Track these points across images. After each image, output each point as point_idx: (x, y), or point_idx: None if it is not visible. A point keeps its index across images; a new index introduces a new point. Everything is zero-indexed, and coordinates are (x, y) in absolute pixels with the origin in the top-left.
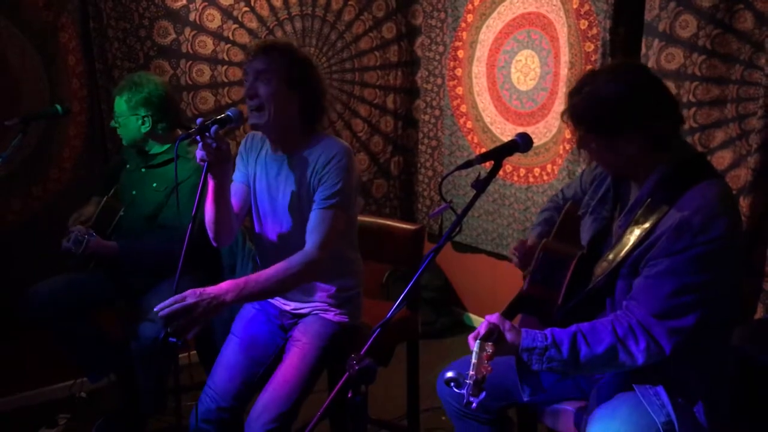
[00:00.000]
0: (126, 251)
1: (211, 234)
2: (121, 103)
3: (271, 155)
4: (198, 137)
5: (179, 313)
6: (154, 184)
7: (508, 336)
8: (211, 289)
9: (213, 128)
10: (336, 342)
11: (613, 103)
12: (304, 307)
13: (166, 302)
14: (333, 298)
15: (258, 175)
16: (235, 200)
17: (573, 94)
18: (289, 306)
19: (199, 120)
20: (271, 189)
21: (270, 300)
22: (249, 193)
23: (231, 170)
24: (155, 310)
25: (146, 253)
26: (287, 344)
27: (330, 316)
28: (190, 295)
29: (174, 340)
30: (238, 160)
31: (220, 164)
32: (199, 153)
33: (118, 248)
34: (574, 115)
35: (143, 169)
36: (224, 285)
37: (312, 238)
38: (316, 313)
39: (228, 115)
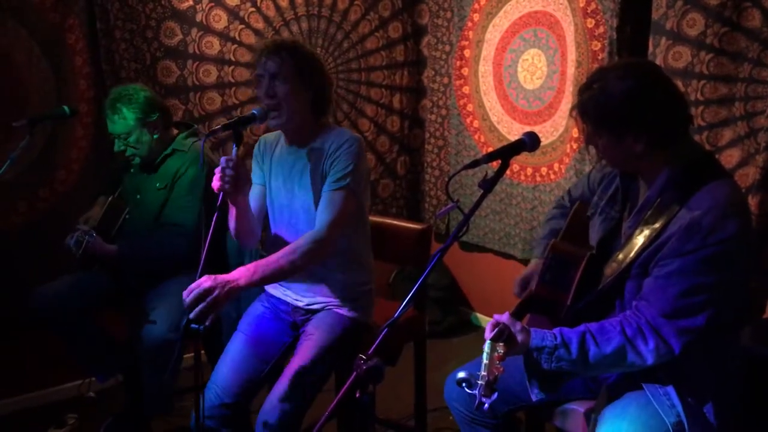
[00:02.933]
0: (125, 255)
1: (240, 241)
2: (125, 121)
3: (287, 150)
4: (221, 168)
5: (198, 298)
6: (157, 184)
7: (519, 337)
8: (224, 276)
9: (234, 151)
10: (349, 336)
11: (622, 100)
12: (317, 303)
13: (187, 290)
14: (346, 292)
15: (273, 172)
16: (255, 202)
17: (583, 90)
18: (302, 302)
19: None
20: (287, 182)
21: (282, 297)
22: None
23: (249, 189)
24: (184, 298)
25: (146, 256)
26: (300, 338)
27: (343, 311)
28: (206, 280)
29: (196, 326)
30: (253, 163)
31: (240, 192)
32: (216, 183)
33: (117, 251)
34: (583, 110)
35: (145, 173)
36: (236, 271)
37: (321, 218)
38: (330, 308)
39: (253, 113)
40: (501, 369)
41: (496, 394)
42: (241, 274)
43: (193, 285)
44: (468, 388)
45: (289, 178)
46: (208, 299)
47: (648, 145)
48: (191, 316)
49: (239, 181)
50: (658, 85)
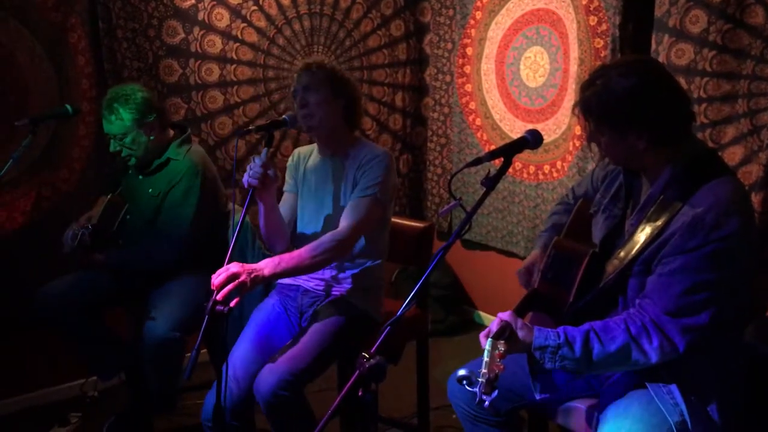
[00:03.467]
0: (112, 265)
1: (269, 243)
2: (122, 122)
3: (320, 160)
4: (251, 165)
5: (226, 280)
6: (150, 190)
7: (521, 334)
8: (251, 264)
9: (264, 151)
10: (354, 323)
11: (624, 98)
12: (325, 284)
13: (216, 273)
14: (357, 283)
15: (306, 180)
16: (287, 209)
17: (585, 87)
18: (311, 283)
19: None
20: (318, 189)
21: (293, 281)
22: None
23: (276, 191)
24: (212, 280)
25: (131, 267)
26: (305, 318)
27: (352, 300)
28: (234, 266)
29: (221, 308)
30: (288, 174)
31: (267, 189)
32: (246, 178)
33: (104, 261)
34: (585, 107)
35: (140, 176)
36: (262, 262)
37: (345, 221)
38: (341, 295)
39: (285, 118)
40: (502, 367)
41: (496, 392)
42: (266, 264)
43: (221, 269)
44: (468, 386)
45: (320, 185)
46: (235, 282)
47: (650, 142)
48: (218, 297)
49: (267, 178)
50: (661, 83)
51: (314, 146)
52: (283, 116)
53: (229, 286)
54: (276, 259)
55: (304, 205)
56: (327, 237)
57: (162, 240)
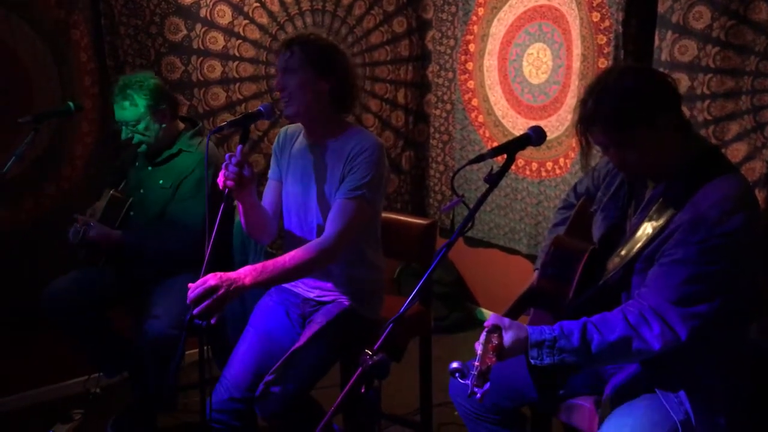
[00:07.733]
0: (129, 242)
1: (252, 237)
2: (136, 108)
3: (306, 145)
4: (225, 164)
5: (203, 295)
6: (161, 181)
7: (510, 334)
8: (231, 274)
9: (239, 149)
10: (346, 325)
11: (639, 89)
12: (326, 296)
13: (192, 286)
14: (352, 286)
15: (291, 168)
16: (271, 198)
17: (595, 106)
18: (312, 293)
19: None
20: (304, 178)
21: (293, 288)
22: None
23: (255, 188)
24: (189, 293)
25: (149, 246)
26: (306, 325)
27: (348, 303)
28: (211, 278)
29: (199, 322)
30: (272, 158)
31: (244, 188)
32: (221, 180)
33: (121, 237)
34: (609, 120)
35: (150, 167)
36: (243, 270)
37: (332, 227)
38: (337, 301)
39: (260, 110)
40: (494, 359)
41: (488, 384)
42: (247, 273)
43: (198, 282)
44: (461, 378)
45: (305, 174)
46: (213, 297)
47: (676, 125)
48: (195, 312)
49: (243, 178)
50: (650, 73)
51: (301, 126)
52: (259, 107)
53: (207, 302)
54: (259, 267)
55: (289, 192)
56: (312, 245)
57: (177, 227)
